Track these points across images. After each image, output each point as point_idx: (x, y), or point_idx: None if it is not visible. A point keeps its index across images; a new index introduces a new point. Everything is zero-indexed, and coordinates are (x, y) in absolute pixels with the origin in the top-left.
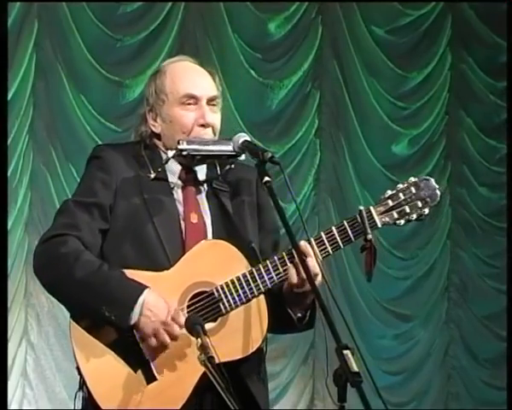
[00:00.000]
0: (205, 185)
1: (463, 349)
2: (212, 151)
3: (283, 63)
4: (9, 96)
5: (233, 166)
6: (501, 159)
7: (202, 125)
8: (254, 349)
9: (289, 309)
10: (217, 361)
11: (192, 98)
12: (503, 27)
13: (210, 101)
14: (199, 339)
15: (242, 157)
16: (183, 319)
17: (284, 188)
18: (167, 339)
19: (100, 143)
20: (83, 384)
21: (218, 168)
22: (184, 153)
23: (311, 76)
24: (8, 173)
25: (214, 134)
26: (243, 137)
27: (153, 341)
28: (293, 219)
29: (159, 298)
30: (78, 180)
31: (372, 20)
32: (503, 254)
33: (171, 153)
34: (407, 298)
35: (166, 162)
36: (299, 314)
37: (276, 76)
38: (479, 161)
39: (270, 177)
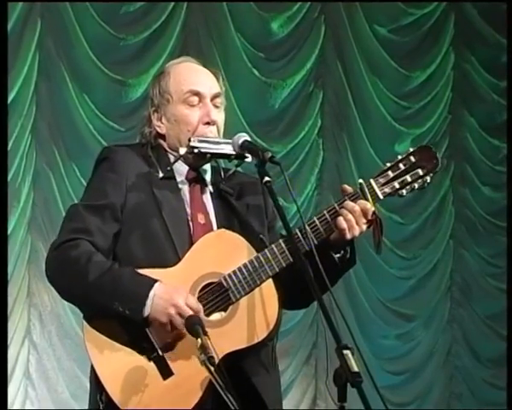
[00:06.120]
0: (210, 186)
1: (466, 349)
2: (223, 150)
3: (286, 62)
4: (12, 95)
5: (238, 168)
6: (504, 158)
7: (207, 123)
8: (265, 336)
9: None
10: (223, 353)
11: (196, 95)
12: (505, 27)
13: (214, 98)
14: (199, 339)
15: (249, 159)
16: (195, 303)
17: (285, 188)
18: (182, 325)
19: (103, 142)
20: (102, 388)
21: (222, 173)
22: (196, 150)
23: (313, 75)
24: (11, 173)
25: (218, 133)
26: (243, 137)
27: (168, 328)
28: (295, 220)
29: (169, 286)
30: (81, 180)
31: (375, 19)
32: (506, 254)
33: (182, 150)
34: (410, 298)
35: (178, 160)
36: (339, 254)
37: (278, 75)
38: (482, 160)
39: (270, 177)
